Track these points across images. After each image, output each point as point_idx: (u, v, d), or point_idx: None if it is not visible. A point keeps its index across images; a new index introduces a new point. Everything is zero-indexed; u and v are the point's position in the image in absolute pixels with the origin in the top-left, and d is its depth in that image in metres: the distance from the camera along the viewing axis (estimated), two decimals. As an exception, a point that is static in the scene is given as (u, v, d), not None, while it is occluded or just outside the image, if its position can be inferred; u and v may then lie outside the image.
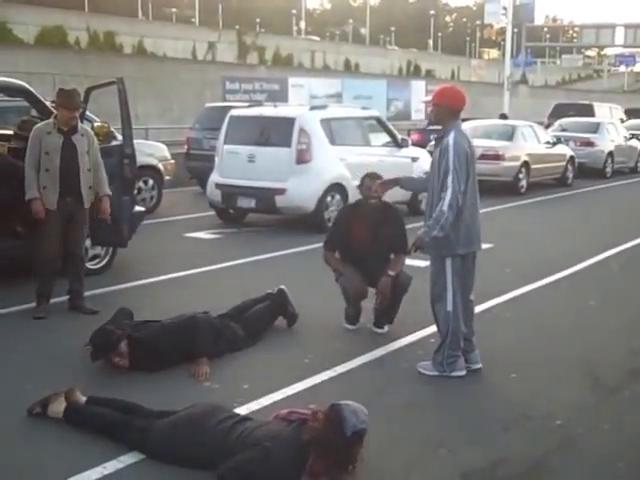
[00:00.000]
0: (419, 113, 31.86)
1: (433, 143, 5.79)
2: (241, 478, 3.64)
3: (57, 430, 4.33)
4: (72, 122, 6.65)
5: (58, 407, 4.41)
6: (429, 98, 5.68)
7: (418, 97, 31.77)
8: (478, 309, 6.86)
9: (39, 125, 6.86)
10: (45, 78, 27.09)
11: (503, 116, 22.88)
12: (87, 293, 6.99)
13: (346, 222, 6.44)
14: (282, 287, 6.46)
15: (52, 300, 6.81)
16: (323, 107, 11.92)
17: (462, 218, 5.21)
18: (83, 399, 4.48)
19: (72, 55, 34.33)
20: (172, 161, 13.36)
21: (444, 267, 5.33)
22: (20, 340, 6.03)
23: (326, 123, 11.10)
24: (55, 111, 6.80)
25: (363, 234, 6.29)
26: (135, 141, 9.22)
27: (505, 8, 30.48)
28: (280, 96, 25.27)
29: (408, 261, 6.54)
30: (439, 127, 5.44)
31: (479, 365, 5.52)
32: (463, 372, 5.41)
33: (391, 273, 6.12)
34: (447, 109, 5.31)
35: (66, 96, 6.64)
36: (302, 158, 10.74)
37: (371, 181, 6.25)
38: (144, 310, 6.57)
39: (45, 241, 6.64)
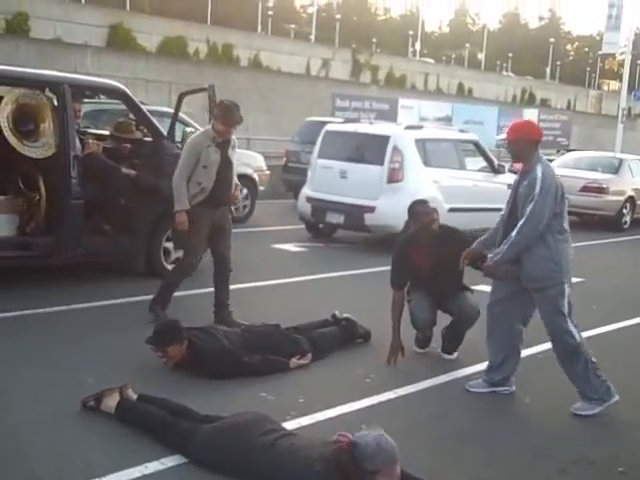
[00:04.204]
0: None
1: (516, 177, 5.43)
2: None
3: (106, 425, 4.39)
4: (227, 136, 6.31)
5: (111, 402, 4.47)
6: (504, 136, 5.45)
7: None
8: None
9: (198, 136, 6.42)
10: (162, 86, 28.02)
11: None
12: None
13: (405, 258, 6.02)
14: (349, 316, 6.41)
15: (130, 299, 7.03)
16: (419, 127, 11.75)
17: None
18: (134, 396, 4.52)
19: (189, 65, 35.33)
20: (267, 172, 13.51)
21: (563, 295, 5.05)
22: (90, 335, 6.13)
23: (421, 143, 10.91)
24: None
25: (424, 262, 5.98)
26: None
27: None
28: (389, 116, 25.11)
29: (479, 287, 6.38)
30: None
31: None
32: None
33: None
34: (524, 143, 5.11)
35: (225, 111, 6.19)
36: (394, 177, 10.61)
37: (423, 206, 5.99)
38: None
39: (193, 251, 6.55)
